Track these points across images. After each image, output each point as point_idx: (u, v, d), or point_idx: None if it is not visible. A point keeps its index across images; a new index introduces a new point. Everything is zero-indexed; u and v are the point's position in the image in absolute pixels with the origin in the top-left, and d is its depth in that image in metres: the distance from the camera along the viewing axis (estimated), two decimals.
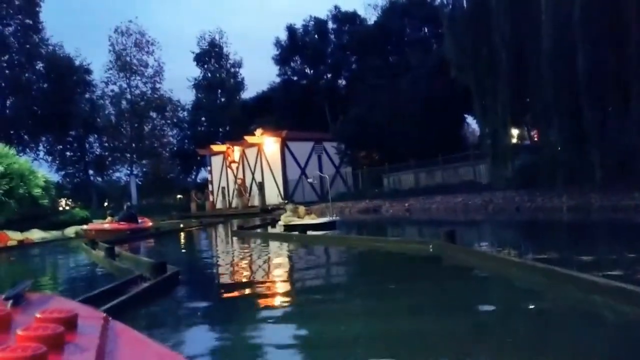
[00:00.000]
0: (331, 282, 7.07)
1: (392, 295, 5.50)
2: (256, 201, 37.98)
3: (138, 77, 56.02)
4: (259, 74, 58.41)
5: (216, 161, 44.36)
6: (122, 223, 19.45)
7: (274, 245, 12.17)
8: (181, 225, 23.66)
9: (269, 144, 38.85)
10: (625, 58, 14.32)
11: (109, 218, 20.38)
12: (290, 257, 9.84)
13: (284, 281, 7.12)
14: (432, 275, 6.88)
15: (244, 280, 7.29)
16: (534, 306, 4.72)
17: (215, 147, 43.32)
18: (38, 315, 0.98)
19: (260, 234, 15.66)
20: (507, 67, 17.09)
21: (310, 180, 27.85)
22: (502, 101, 17.46)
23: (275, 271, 8.04)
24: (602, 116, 14.81)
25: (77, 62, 51.66)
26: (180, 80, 59.49)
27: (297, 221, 15.80)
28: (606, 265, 6.13)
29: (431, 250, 8.66)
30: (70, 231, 22.17)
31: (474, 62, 18.60)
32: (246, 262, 9.63)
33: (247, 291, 6.28)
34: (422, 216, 20.97)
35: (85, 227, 20.31)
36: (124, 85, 55.72)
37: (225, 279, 7.86)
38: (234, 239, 15.45)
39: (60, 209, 33.31)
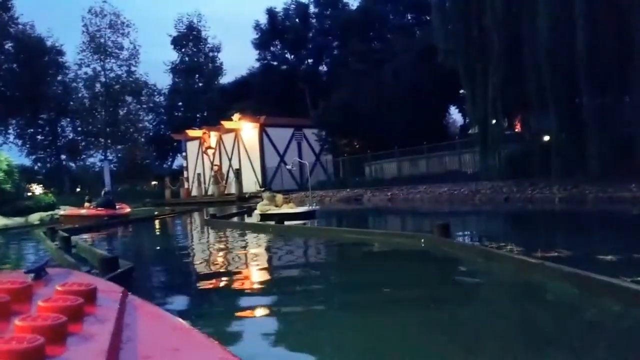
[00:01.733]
0: (308, 288, 5.98)
1: (377, 310, 4.49)
2: (233, 189, 36.79)
3: (113, 60, 54.53)
4: (238, 59, 57.21)
5: (192, 147, 43.03)
6: (100, 209, 19.22)
7: (248, 236, 11.13)
8: (156, 213, 22.49)
9: (246, 129, 37.62)
10: (628, 41, 13.43)
11: (87, 204, 20.29)
12: (263, 252, 8.81)
13: (248, 292, 6.01)
14: (425, 278, 5.89)
15: (204, 282, 6.18)
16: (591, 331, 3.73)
17: (191, 132, 41.96)
18: (58, 288, 1.01)
19: (234, 223, 14.59)
20: (499, 50, 16.10)
21: (289, 166, 26.82)
22: (493, 86, 16.49)
23: (244, 271, 6.97)
24: (601, 102, 13.90)
25: (48, 43, 50.14)
26: (156, 64, 58.09)
27: (274, 210, 15.02)
28: (636, 267, 5.19)
29: (423, 244, 7.72)
30: (35, 218, 20.96)
31: (463, 45, 17.58)
32: (213, 257, 8.56)
33: (204, 297, 5.26)
34: (405, 206, 20.06)
35: (61, 212, 20.05)
36: (98, 68, 54.18)
37: (180, 279, 6.77)
38: (207, 228, 14.38)
39: (30, 194, 31.84)
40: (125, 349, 0.85)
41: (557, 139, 15.18)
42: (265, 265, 7.38)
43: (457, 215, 15.25)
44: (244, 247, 9.41)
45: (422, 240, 7.81)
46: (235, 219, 17.17)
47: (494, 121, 17.25)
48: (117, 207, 20.16)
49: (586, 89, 14.03)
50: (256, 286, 5.72)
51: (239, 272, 6.69)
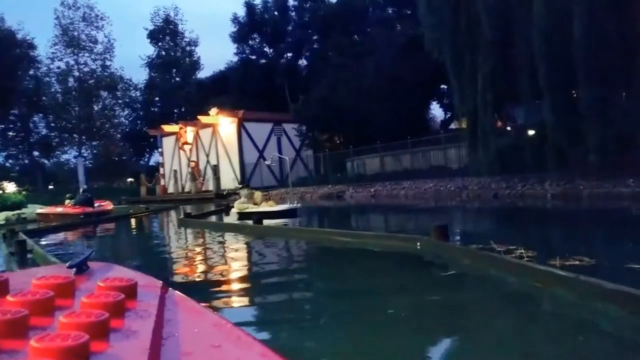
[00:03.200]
0: (289, 309, 5.07)
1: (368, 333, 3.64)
2: (211, 186, 35.77)
3: (87, 54, 53.01)
4: (216, 54, 56.13)
5: (168, 143, 41.83)
6: (77, 207, 18.93)
7: (224, 237, 10.22)
8: (131, 212, 21.58)
9: (224, 124, 36.53)
10: (629, 30, 12.72)
11: (67, 202, 20.00)
12: (239, 256, 7.91)
13: (220, 306, 5.12)
14: (425, 297, 5.05)
15: None
16: None
17: (167, 128, 40.71)
18: (100, 283, 1.02)
19: (210, 223, 13.68)
20: (490, 38, 15.29)
21: (268, 162, 25.85)
22: (483, 77, 15.69)
23: (215, 283, 6.07)
24: (599, 94, 13.15)
25: (19, 36, 48.60)
26: (132, 59, 56.72)
27: (252, 208, 14.31)
28: None
29: (419, 248, 6.91)
30: (0, 217, 19.78)
31: (451, 33, 16.71)
32: (182, 264, 7.64)
33: None
34: (390, 203, 19.26)
35: (40, 210, 19.80)
36: (72, 62, 52.62)
37: None
38: (181, 228, 13.48)
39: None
40: (167, 345, 0.85)
41: (552, 132, 14.42)
42: (242, 274, 6.49)
43: (445, 213, 14.53)
44: (219, 252, 8.51)
45: (419, 243, 6.99)
46: (212, 218, 16.29)
47: (484, 113, 16.40)
48: (96, 204, 19.92)
49: (583, 80, 13.28)
50: (235, 301, 4.83)
51: (215, 282, 5.78)
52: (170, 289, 1.19)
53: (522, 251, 6.24)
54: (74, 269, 1.18)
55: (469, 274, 5.67)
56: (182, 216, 15.47)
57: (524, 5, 14.15)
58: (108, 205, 21.10)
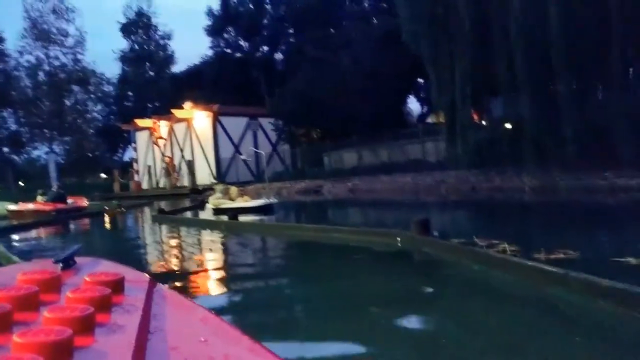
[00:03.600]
0: (259, 320, 4.76)
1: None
2: (186, 181, 35.24)
3: (57, 47, 51.88)
4: (190, 48, 55.30)
5: (142, 137, 41.09)
6: (49, 203, 18.59)
7: (198, 234, 9.89)
8: (106, 208, 21.09)
9: (199, 119, 35.96)
10: (605, 20, 12.62)
11: (39, 198, 19.60)
12: (211, 255, 7.60)
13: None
14: (405, 292, 4.81)
15: None
16: None
17: (140, 122, 39.95)
18: (86, 278, 1.01)
19: (184, 219, 13.32)
20: (468, 30, 15.11)
21: (243, 157, 25.45)
22: (461, 70, 15.52)
23: (187, 281, 5.76)
24: (577, 87, 13.05)
25: None
26: (105, 52, 55.82)
27: (228, 204, 14.02)
28: None
29: (399, 244, 6.67)
30: None
31: (428, 25, 16.50)
32: (155, 263, 7.31)
33: None
34: (368, 197, 19.06)
35: (11, 207, 19.27)
36: (41, 56, 51.47)
37: None
38: (155, 225, 13.10)
39: None
40: (153, 340, 0.85)
41: (530, 125, 14.30)
42: (216, 275, 6.19)
43: (424, 207, 14.36)
44: (192, 250, 8.18)
45: (399, 238, 6.75)
46: (188, 214, 15.94)
47: (462, 106, 16.24)
48: (70, 201, 19.68)
49: (561, 73, 13.19)
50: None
51: (188, 280, 5.47)
52: (159, 284, 1.18)
53: (506, 245, 6.05)
54: (61, 264, 1.16)
55: (453, 270, 5.44)
56: (155, 212, 15.07)
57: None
58: (82, 201, 20.74)
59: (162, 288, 1.16)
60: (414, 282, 5.05)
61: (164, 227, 11.98)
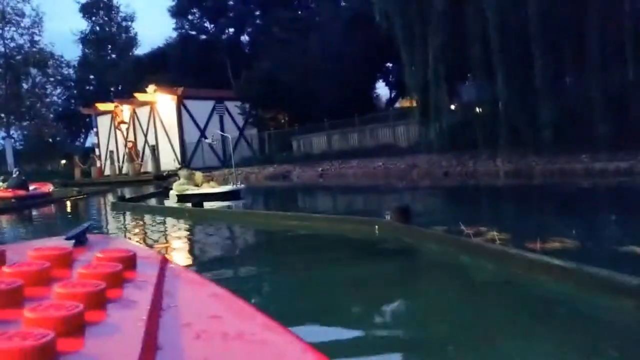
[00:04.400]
0: None
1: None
2: (149, 167, 34.21)
3: (13, 28, 49.79)
4: (154, 30, 53.90)
5: (103, 122, 39.79)
6: (9, 190, 17.85)
7: (158, 221, 9.21)
8: (69, 194, 20.28)
9: (163, 102, 34.83)
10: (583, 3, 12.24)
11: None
12: (175, 246, 6.95)
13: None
14: (389, 288, 4.28)
15: None
16: None
17: (102, 106, 38.62)
18: (98, 255, 1.01)
19: (145, 207, 12.55)
20: (441, 9, 14.58)
21: (208, 140, 24.58)
22: (435, 50, 15.01)
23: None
24: (554, 68, 12.67)
25: None
26: (64, 34, 53.88)
27: (192, 190, 13.36)
28: None
29: (377, 232, 6.14)
30: None
31: (402, 5, 15.89)
32: None
33: None
34: (339, 182, 18.53)
35: None
36: None
37: None
38: (113, 213, 12.34)
39: None
40: (165, 316, 0.84)
41: (505, 107, 13.91)
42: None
43: (397, 192, 13.89)
44: (151, 239, 7.51)
45: (377, 226, 6.22)
46: (152, 201, 15.19)
47: (436, 87, 15.74)
48: (32, 187, 19.03)
49: (538, 55, 12.76)
50: None
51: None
52: (172, 261, 1.15)
53: (495, 233, 5.55)
54: (72, 241, 1.15)
55: (439, 261, 4.92)
56: (114, 200, 14.28)
57: None
58: (46, 187, 20.08)
59: (174, 265, 1.14)
60: (394, 277, 4.51)
61: (124, 216, 11.28)
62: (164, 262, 1.12)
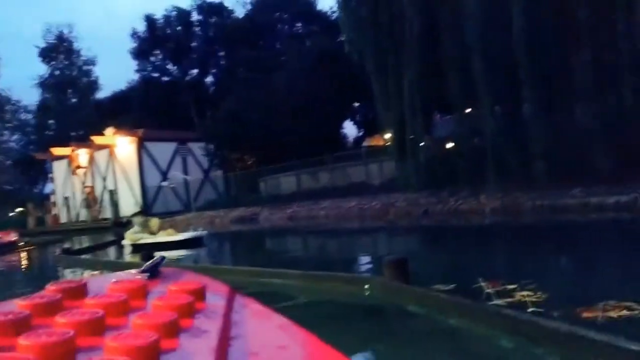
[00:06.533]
0: None
1: None
2: (108, 213, 32.37)
3: None
4: (116, 74, 52.53)
5: (59, 167, 37.97)
6: None
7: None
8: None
9: (122, 145, 33.25)
10: (573, 20, 11.38)
11: None
12: None
13: None
14: None
15: None
16: None
17: (57, 151, 36.86)
18: (171, 287, 1.04)
19: (90, 261, 11.02)
20: (416, 37, 13.61)
21: (165, 183, 23.05)
22: (410, 80, 13.99)
23: None
24: (541, 99, 11.71)
25: None
26: (21, 79, 52.10)
27: (148, 238, 11.98)
28: None
29: (367, 293, 4.89)
30: None
31: (373, 34, 14.88)
32: None
33: None
34: (310, 225, 17.19)
35: None
36: None
37: None
38: (55, 267, 10.85)
39: None
40: (234, 345, 0.87)
41: (491, 139, 12.86)
42: None
43: (373, 235, 12.66)
44: None
45: (367, 286, 4.94)
46: (110, 252, 13.67)
47: (413, 122, 14.62)
48: None
49: (527, 83, 11.75)
50: None
51: None
52: (240, 293, 1.18)
53: (529, 293, 4.28)
54: (147, 274, 1.20)
55: (465, 348, 3.62)
56: (58, 252, 12.71)
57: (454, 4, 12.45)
58: (9, 235, 19.69)
59: (243, 297, 1.16)
60: None
61: (65, 271, 9.80)
62: (232, 293, 1.15)
